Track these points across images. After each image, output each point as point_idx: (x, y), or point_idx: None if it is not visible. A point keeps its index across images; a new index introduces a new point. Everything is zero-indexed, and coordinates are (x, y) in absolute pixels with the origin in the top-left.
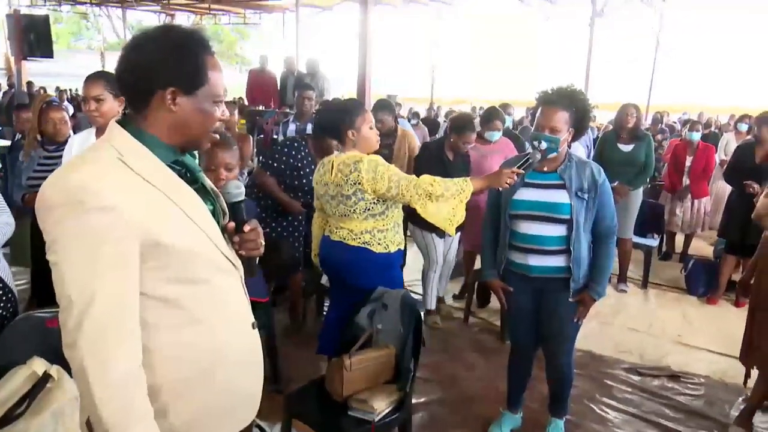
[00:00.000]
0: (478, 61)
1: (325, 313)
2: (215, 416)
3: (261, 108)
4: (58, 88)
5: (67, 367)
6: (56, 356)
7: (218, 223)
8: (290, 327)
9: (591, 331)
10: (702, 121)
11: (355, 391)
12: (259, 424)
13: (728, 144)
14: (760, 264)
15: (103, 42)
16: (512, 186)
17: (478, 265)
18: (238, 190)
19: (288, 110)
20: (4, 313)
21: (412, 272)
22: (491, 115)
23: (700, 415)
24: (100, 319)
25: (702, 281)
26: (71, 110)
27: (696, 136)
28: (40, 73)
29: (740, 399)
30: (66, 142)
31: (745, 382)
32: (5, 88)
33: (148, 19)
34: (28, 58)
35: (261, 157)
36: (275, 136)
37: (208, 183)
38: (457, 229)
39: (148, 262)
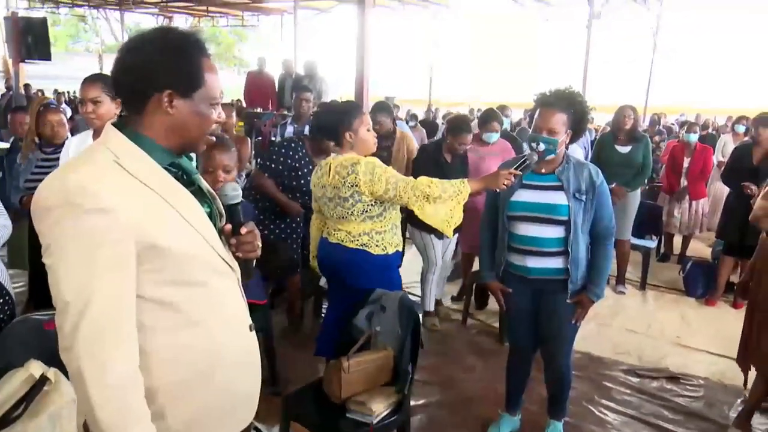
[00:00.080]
0: (476, 62)
1: (323, 314)
2: (213, 418)
3: (259, 110)
4: (56, 91)
5: (64, 370)
6: (54, 359)
7: (215, 225)
8: (288, 329)
9: (589, 333)
10: (699, 123)
11: (354, 393)
12: (257, 426)
13: (726, 145)
14: (759, 265)
15: (101, 44)
16: (510, 187)
17: (476, 266)
18: (234, 192)
19: (286, 112)
20: (2, 315)
21: (410, 274)
22: (489, 117)
23: (698, 416)
24: (97, 322)
25: (700, 283)
26: (69, 113)
27: (693, 138)
28: (38, 76)
29: (739, 400)
30: (64, 144)
31: (745, 384)
32: (3, 90)
33: (146, 21)
34: (25, 60)
35: (259, 159)
36: (273, 138)
37: (205, 185)
38: (455, 230)
39: (145, 264)
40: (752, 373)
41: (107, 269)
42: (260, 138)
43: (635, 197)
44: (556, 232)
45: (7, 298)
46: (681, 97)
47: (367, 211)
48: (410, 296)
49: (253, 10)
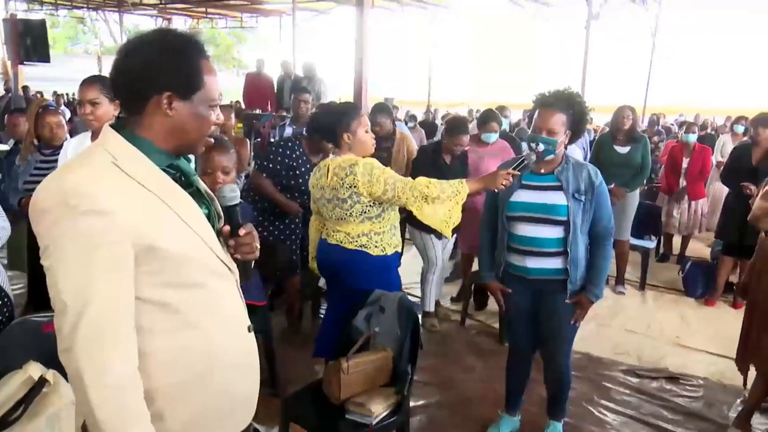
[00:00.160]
0: (475, 63)
1: (322, 316)
2: (212, 419)
3: (258, 111)
4: (55, 93)
5: (63, 372)
6: (53, 361)
7: (213, 226)
8: (287, 330)
9: (589, 333)
10: (698, 123)
11: (353, 394)
12: (256, 428)
13: (725, 146)
14: (758, 265)
15: (100, 46)
16: (509, 188)
17: (475, 267)
18: (233, 193)
19: (285, 113)
20: (0, 317)
21: (409, 275)
22: (488, 117)
23: (698, 416)
24: (96, 323)
25: (699, 283)
26: (68, 114)
27: (692, 138)
28: (37, 78)
29: (738, 400)
30: (62, 146)
31: (744, 384)
32: (2, 92)
33: (145, 23)
34: (24, 62)
35: (256, 160)
36: (272, 140)
37: (203, 186)
38: (454, 230)
39: (143, 266)
40: (751, 373)
41: (105, 270)
42: (259, 139)
43: (634, 197)
44: (555, 232)
45: (6, 300)
46: (680, 98)
47: (365, 212)
48: (409, 297)
49: (251, 11)
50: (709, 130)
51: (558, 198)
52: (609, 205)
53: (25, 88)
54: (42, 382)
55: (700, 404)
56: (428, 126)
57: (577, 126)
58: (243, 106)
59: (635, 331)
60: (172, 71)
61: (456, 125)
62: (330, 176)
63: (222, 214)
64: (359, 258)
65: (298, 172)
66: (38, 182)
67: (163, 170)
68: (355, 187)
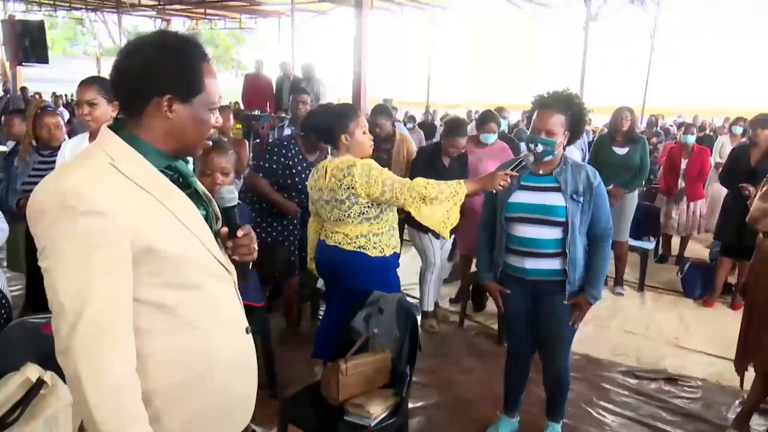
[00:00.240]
0: (474, 64)
1: (320, 317)
2: (210, 421)
3: (257, 112)
4: (54, 94)
5: (61, 374)
6: (51, 362)
7: (211, 228)
8: (286, 331)
9: (587, 335)
10: (697, 124)
11: (351, 395)
12: (254, 429)
13: (723, 147)
14: (757, 266)
15: (98, 47)
16: (507, 189)
17: (473, 268)
18: (231, 194)
19: (284, 114)
20: None
21: (408, 275)
22: (486, 118)
23: (697, 418)
24: (94, 324)
25: (698, 284)
26: (67, 115)
27: (691, 139)
28: (35, 79)
29: (737, 402)
30: (60, 147)
31: (741, 385)
32: (0, 93)
33: (144, 24)
34: (23, 63)
35: (253, 160)
36: (271, 141)
37: (201, 188)
38: (452, 231)
39: (141, 267)
40: (750, 374)
41: (103, 271)
42: (258, 140)
43: (633, 199)
44: (553, 233)
45: (4, 301)
46: (678, 99)
47: (364, 213)
48: (408, 298)
49: (250, 12)
50: (707, 131)
51: (556, 199)
52: (607, 206)
53: (24, 89)
54: (40, 383)
55: (698, 405)
56: (427, 127)
57: (575, 127)
58: (242, 107)
59: (634, 332)
60: (173, 73)
61: (453, 127)
62: (328, 177)
63: (220, 215)
64: (358, 259)
65: (294, 171)
66: (36, 183)
67: (161, 171)
68: (353, 188)
